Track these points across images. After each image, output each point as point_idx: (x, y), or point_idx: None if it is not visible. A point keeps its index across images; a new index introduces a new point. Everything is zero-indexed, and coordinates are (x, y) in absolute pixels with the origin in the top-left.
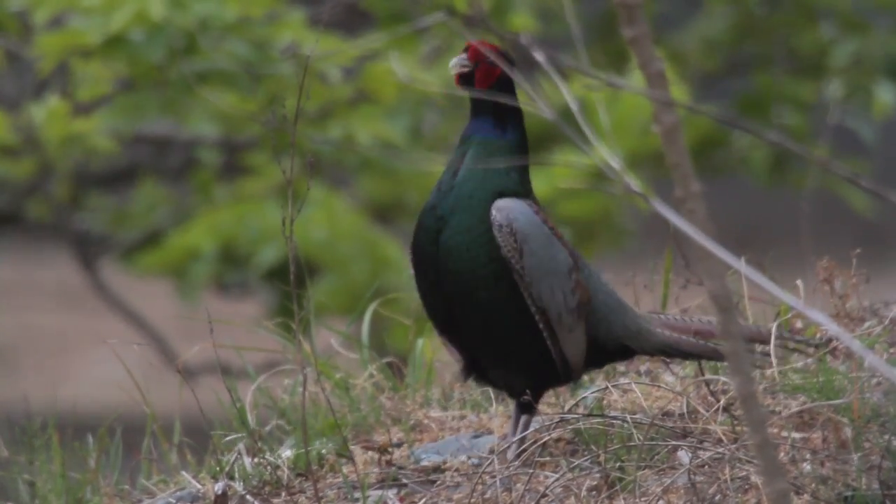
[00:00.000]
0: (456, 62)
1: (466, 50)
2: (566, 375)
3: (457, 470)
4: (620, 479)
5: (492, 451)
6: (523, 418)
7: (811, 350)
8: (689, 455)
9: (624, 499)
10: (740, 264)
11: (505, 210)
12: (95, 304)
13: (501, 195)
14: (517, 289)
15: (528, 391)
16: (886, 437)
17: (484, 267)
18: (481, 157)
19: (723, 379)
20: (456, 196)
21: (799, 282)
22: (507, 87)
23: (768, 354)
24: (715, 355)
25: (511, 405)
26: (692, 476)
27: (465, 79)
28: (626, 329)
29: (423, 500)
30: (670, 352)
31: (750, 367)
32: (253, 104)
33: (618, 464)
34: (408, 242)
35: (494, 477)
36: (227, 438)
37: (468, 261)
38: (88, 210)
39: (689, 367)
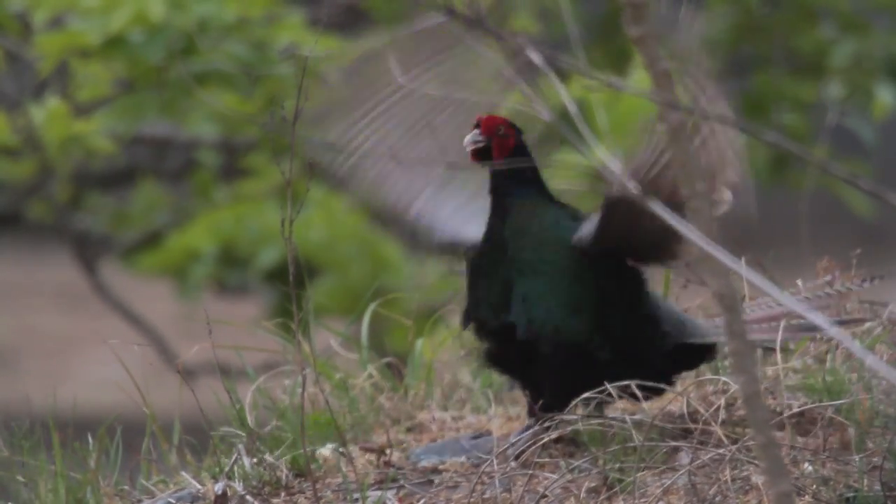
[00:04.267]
0: (470, 139)
1: (478, 125)
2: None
3: (456, 471)
4: (620, 480)
5: (491, 452)
6: (530, 420)
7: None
8: (690, 456)
9: (623, 500)
10: (740, 264)
11: None
12: (95, 305)
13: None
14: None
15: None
16: (888, 438)
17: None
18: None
19: (723, 379)
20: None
21: (799, 281)
22: (523, 153)
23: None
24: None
25: (524, 409)
26: (692, 477)
27: (481, 154)
28: (701, 331)
29: (423, 500)
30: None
31: (754, 366)
32: (252, 105)
33: (617, 465)
34: (408, 243)
35: (493, 478)
36: (224, 430)
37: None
38: (88, 211)
39: None
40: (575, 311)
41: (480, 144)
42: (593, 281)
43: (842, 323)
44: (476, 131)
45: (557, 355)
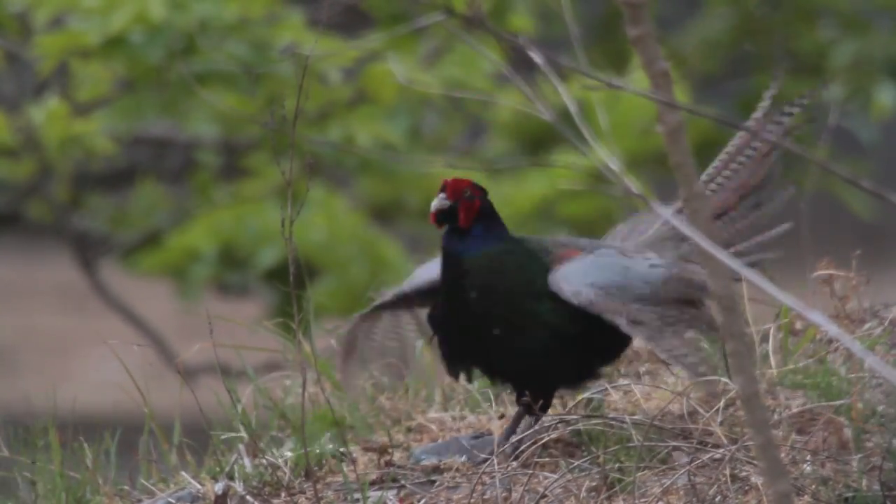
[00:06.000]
0: (436, 203)
1: (444, 189)
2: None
3: (456, 470)
4: (620, 480)
5: (491, 452)
6: (526, 419)
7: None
8: (689, 456)
9: (623, 499)
10: (740, 265)
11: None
12: (95, 305)
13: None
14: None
15: (534, 395)
16: (887, 437)
17: (542, 343)
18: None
19: (723, 379)
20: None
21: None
22: (489, 211)
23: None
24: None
25: (513, 406)
26: (692, 477)
27: (444, 215)
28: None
29: (423, 500)
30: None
31: (753, 366)
32: (252, 105)
33: (617, 464)
34: (408, 243)
35: (494, 477)
36: (225, 436)
37: (526, 349)
38: (88, 210)
39: None
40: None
41: (445, 207)
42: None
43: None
44: (442, 195)
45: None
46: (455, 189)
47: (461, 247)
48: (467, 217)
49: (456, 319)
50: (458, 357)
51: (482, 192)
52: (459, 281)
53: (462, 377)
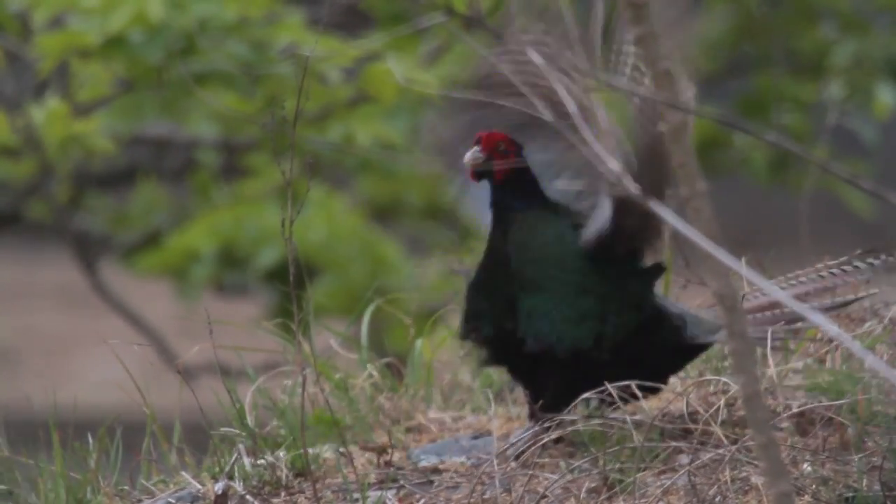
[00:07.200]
0: (470, 156)
1: (478, 142)
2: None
3: (456, 471)
4: (620, 481)
5: (491, 452)
6: (530, 422)
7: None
8: (689, 456)
9: (623, 500)
10: (740, 265)
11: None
12: (95, 305)
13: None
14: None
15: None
16: (888, 437)
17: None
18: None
19: (723, 379)
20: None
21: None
22: (524, 173)
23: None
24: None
25: (526, 408)
26: (692, 477)
27: (480, 175)
28: (703, 327)
29: (422, 500)
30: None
31: (755, 366)
32: (252, 105)
33: (617, 465)
34: (408, 243)
35: (493, 478)
36: (224, 430)
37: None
38: (88, 211)
39: (689, 368)
40: (579, 322)
41: (480, 160)
42: (597, 290)
43: (832, 308)
44: (476, 148)
45: (561, 363)
46: (489, 142)
47: (509, 201)
48: (501, 171)
49: (491, 273)
50: (476, 315)
51: (517, 146)
52: (503, 236)
53: (470, 340)
